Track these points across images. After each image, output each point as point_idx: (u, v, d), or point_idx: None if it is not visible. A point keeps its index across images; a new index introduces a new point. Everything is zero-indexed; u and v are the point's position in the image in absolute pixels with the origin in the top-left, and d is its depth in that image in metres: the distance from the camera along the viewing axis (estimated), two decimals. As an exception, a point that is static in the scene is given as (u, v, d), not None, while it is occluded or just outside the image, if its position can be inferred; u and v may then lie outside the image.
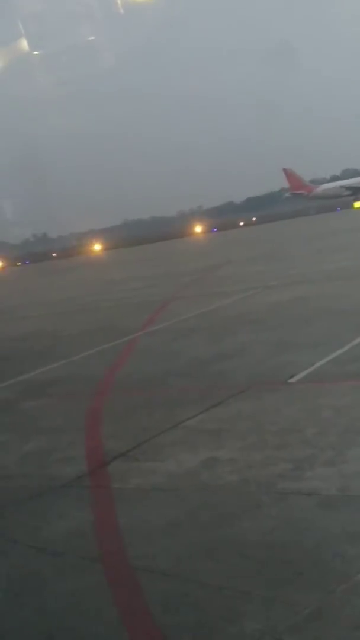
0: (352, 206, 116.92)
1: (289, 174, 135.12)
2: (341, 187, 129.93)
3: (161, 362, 11.87)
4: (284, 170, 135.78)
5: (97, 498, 6.20)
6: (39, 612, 4.42)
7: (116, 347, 14.08)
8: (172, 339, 14.06)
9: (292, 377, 9.02)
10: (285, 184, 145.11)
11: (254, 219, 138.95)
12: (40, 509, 6.05)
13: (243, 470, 6.11)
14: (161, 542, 5.00)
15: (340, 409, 7.40)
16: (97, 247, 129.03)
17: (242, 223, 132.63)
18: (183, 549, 4.84)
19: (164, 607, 4.19)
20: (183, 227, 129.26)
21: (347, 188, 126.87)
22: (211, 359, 11.26)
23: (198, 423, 7.80)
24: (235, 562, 4.55)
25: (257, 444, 6.71)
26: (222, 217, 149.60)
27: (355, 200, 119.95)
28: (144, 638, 3.98)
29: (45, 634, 4.17)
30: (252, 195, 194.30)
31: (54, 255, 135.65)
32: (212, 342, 12.74)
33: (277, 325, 13.40)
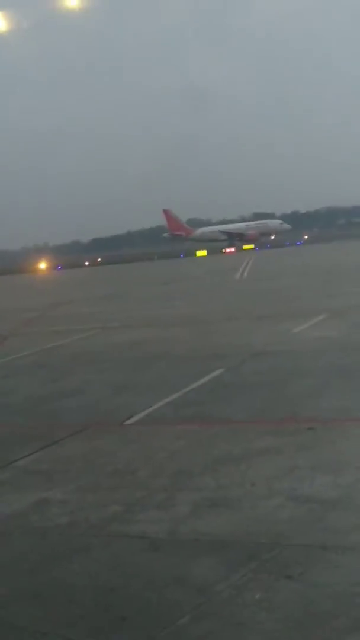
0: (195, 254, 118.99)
1: (168, 215, 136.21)
2: (219, 231, 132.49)
3: (-4, 398, 11.59)
4: (164, 210, 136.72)
5: None
6: None
7: None
8: (9, 375, 13.79)
9: (128, 418, 9.05)
10: (150, 222, 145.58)
11: (99, 259, 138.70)
12: None
13: (74, 512, 6.04)
14: (-16, 586, 4.85)
15: (173, 451, 7.50)
16: None
17: (87, 263, 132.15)
18: (7, 592, 4.71)
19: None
20: (26, 263, 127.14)
21: (224, 233, 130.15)
22: (49, 397, 11.13)
23: (30, 463, 7.65)
24: (60, 606, 4.47)
25: (90, 486, 6.67)
26: (68, 255, 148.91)
27: (230, 245, 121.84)
28: None
29: None
30: (98, 236, 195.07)
31: None
32: (50, 380, 12.60)
33: (117, 366, 13.46)
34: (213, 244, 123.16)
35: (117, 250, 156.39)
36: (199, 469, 6.77)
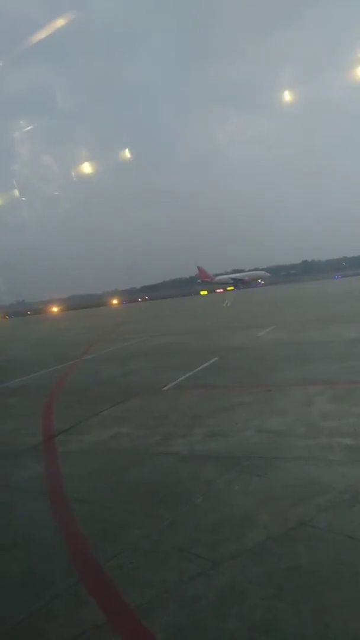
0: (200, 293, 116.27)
1: (200, 269, 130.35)
2: (229, 277, 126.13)
3: (90, 376, 11.61)
4: (198, 266, 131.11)
5: (48, 457, 5.91)
6: (9, 522, 4.19)
7: (64, 368, 13.65)
8: (97, 364, 13.81)
9: (164, 386, 9.04)
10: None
11: (146, 297, 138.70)
12: (13, 463, 5.71)
13: (134, 440, 6.03)
14: (84, 483, 4.84)
15: (190, 404, 7.47)
16: (55, 309, 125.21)
17: (139, 299, 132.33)
18: (97, 487, 4.71)
19: (82, 520, 4.06)
20: (106, 301, 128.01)
21: (232, 279, 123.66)
22: (119, 375, 11.14)
23: (110, 412, 7.66)
24: (126, 494, 4.47)
25: (143, 425, 6.65)
26: (129, 295, 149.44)
27: (234, 286, 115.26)
28: (70, 537, 3.80)
29: (13, 531, 3.91)
30: (145, 284, 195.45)
31: (29, 313, 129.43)
32: (119, 366, 12.60)
33: (157, 357, 13.44)
34: (212, 286, 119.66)
35: (157, 291, 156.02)
36: (205, 414, 6.74)
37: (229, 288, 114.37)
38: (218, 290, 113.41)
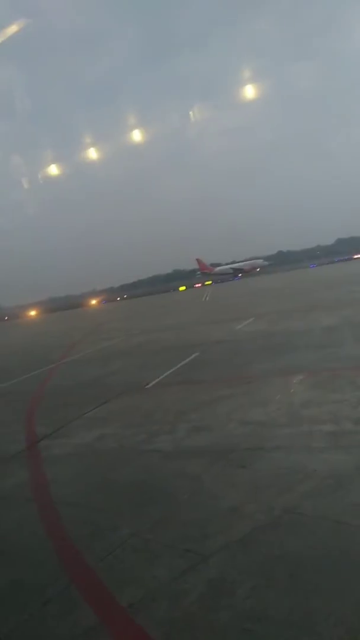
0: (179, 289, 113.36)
1: (199, 261, 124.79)
2: (230, 268, 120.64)
3: (72, 379, 11.52)
4: (197, 259, 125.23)
5: (32, 463, 5.86)
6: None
7: (45, 371, 13.51)
8: (79, 365, 13.71)
9: (147, 384, 9.03)
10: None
11: (125, 296, 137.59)
12: (-3, 471, 5.64)
13: (120, 440, 6.02)
14: (71, 486, 4.82)
15: (173, 401, 7.49)
16: (34, 312, 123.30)
17: (119, 298, 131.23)
18: (84, 489, 4.69)
19: (70, 523, 4.05)
20: (85, 301, 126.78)
21: (233, 269, 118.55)
22: (101, 376, 11.08)
23: (94, 414, 7.62)
24: (115, 494, 4.46)
25: (128, 424, 6.65)
26: (108, 294, 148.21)
27: (235, 277, 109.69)
28: (58, 541, 3.77)
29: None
30: (124, 283, 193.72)
31: (6, 318, 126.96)
32: (102, 366, 12.53)
33: (139, 355, 13.41)
34: (212, 277, 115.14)
35: (135, 289, 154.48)
36: (189, 409, 6.76)
37: (207, 282, 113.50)
38: (197, 285, 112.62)
